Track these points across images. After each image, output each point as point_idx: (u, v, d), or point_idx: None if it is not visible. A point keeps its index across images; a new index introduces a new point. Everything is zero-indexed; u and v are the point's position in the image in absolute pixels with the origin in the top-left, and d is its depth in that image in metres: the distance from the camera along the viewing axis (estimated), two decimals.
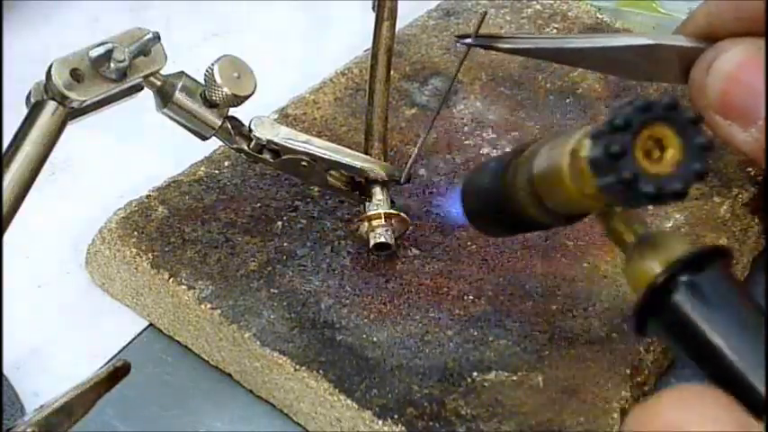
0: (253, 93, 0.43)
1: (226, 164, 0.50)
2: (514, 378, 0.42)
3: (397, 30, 0.49)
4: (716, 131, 0.43)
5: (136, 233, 0.46)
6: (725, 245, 0.33)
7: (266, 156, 0.45)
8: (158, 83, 0.42)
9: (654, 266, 0.33)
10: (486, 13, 0.45)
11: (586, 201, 0.34)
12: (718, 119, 0.43)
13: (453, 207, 0.47)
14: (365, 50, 0.54)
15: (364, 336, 0.43)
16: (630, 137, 0.31)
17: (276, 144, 0.45)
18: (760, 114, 0.41)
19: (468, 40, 0.44)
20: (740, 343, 0.31)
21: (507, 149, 0.50)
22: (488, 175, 0.38)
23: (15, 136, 0.39)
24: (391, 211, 0.45)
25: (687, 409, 0.29)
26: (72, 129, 0.40)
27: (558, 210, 0.36)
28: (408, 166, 0.46)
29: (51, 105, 0.39)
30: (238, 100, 0.43)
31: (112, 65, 0.40)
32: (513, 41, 0.44)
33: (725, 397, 0.30)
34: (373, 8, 0.49)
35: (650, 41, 0.44)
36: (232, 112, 0.44)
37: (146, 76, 0.41)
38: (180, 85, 0.42)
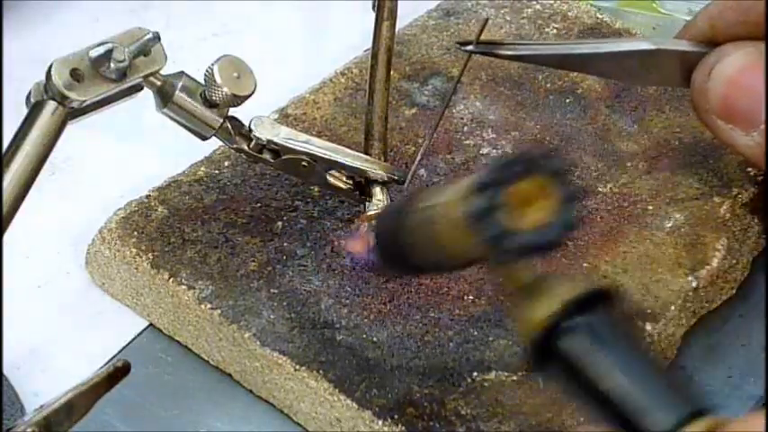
0: (253, 93, 0.43)
1: (226, 164, 0.50)
2: (514, 378, 0.42)
3: (397, 30, 0.49)
4: (718, 135, 0.43)
5: (136, 233, 0.46)
6: (605, 286, 0.33)
7: (266, 156, 0.45)
8: (158, 83, 0.42)
9: (542, 310, 0.32)
10: (487, 19, 0.45)
11: (470, 253, 0.34)
12: (719, 123, 0.43)
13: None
14: (365, 50, 0.54)
15: (364, 336, 0.43)
16: (498, 193, 0.31)
17: (276, 144, 0.45)
18: (762, 118, 0.41)
19: (470, 47, 0.44)
20: (624, 383, 0.31)
21: (507, 149, 0.50)
22: (392, 216, 0.38)
23: (15, 136, 0.39)
24: None
25: None
26: (72, 129, 0.40)
27: (450, 257, 0.36)
28: (412, 170, 0.46)
29: (51, 105, 0.39)
30: (238, 100, 0.43)
31: (112, 65, 0.40)
32: (514, 48, 0.45)
33: None
34: (373, 8, 0.49)
35: (652, 47, 0.44)
36: (232, 112, 0.44)
37: (146, 76, 0.41)
38: (180, 85, 0.42)
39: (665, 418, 0.30)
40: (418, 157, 0.45)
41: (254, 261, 0.45)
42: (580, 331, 0.32)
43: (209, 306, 0.44)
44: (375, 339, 0.43)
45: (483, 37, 0.52)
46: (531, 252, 0.32)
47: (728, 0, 0.43)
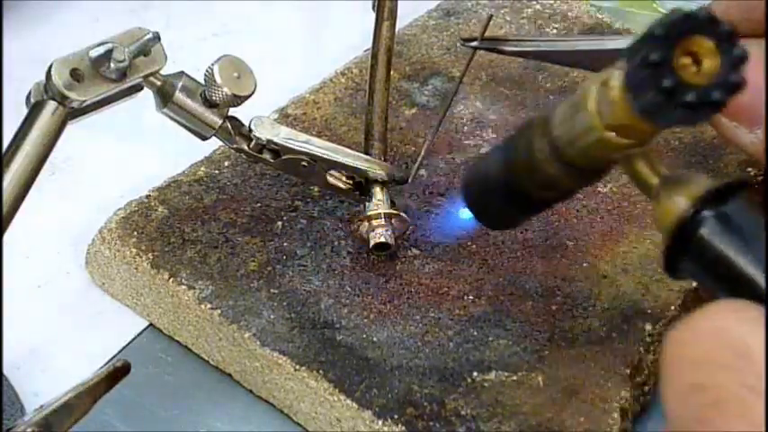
0: (253, 93, 0.43)
1: (226, 164, 0.50)
2: (514, 378, 0.42)
3: (397, 30, 0.49)
4: (722, 133, 0.43)
5: (136, 233, 0.46)
6: (745, 176, 0.33)
7: (266, 156, 0.45)
8: (158, 83, 0.42)
9: (680, 203, 0.32)
10: (491, 17, 0.45)
11: (613, 141, 0.33)
12: (723, 120, 0.43)
13: (454, 208, 0.47)
14: (365, 50, 0.54)
15: (364, 336, 0.43)
16: (670, 47, 0.31)
17: (276, 144, 0.45)
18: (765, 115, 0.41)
19: (474, 44, 0.44)
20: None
21: None
22: (492, 159, 0.38)
23: (15, 136, 0.39)
24: (391, 211, 0.45)
25: (739, 319, 0.28)
26: (72, 129, 0.40)
27: (579, 162, 0.35)
28: (414, 169, 0.46)
29: (51, 105, 0.39)
30: (238, 100, 0.43)
31: (112, 65, 0.40)
32: (518, 44, 0.44)
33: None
34: (373, 8, 0.49)
35: None
36: (232, 112, 0.44)
37: (146, 76, 0.41)
38: (180, 85, 0.42)
39: None
40: (420, 158, 0.45)
41: (254, 261, 0.45)
42: (726, 218, 0.32)
43: (209, 306, 0.44)
44: (375, 339, 0.43)
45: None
46: (704, 108, 0.31)
47: (723, 1, 0.43)
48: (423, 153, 0.45)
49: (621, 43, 0.44)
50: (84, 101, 0.39)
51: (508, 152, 0.37)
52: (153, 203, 0.48)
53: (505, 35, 0.52)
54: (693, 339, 0.28)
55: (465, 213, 0.41)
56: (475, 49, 0.44)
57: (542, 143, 0.36)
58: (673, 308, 0.44)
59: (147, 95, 0.43)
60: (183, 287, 0.44)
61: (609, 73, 0.33)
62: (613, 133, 0.33)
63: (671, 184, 0.33)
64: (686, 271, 0.33)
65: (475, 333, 0.43)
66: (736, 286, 0.31)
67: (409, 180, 0.46)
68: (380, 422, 0.40)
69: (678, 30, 0.31)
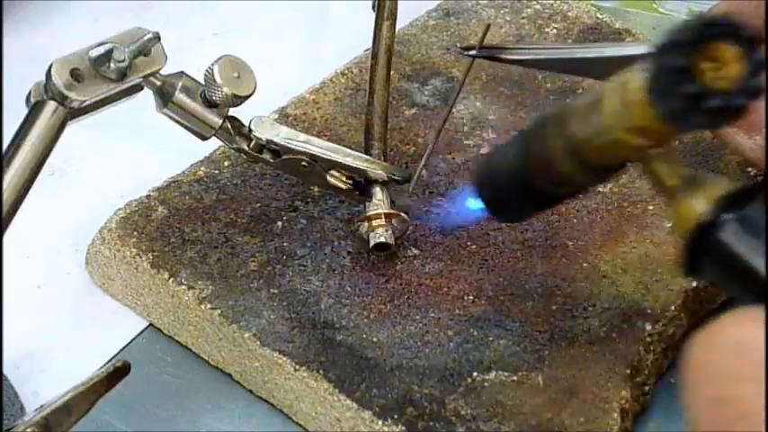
0: (253, 93, 0.43)
1: (226, 164, 0.50)
2: (514, 378, 0.42)
3: (397, 30, 0.49)
4: (721, 138, 0.43)
5: (136, 233, 0.46)
6: (758, 183, 0.33)
7: (266, 156, 0.45)
8: (158, 83, 0.42)
9: (700, 205, 0.33)
10: (489, 25, 0.45)
11: (632, 142, 0.33)
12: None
13: (455, 206, 0.47)
14: (365, 50, 0.54)
15: (364, 336, 0.43)
16: (693, 53, 0.31)
17: (276, 144, 0.45)
18: (764, 121, 0.41)
19: (473, 52, 0.44)
20: None
21: None
22: (506, 154, 0.38)
23: (15, 136, 0.39)
24: (391, 211, 0.45)
25: (755, 327, 0.28)
26: (72, 129, 0.40)
27: (595, 161, 0.35)
28: (417, 173, 0.46)
29: (51, 105, 0.39)
30: (238, 100, 0.43)
31: (112, 65, 0.40)
32: (516, 53, 0.45)
33: None
34: (373, 8, 0.49)
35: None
36: (232, 112, 0.44)
37: (146, 76, 0.41)
38: (180, 85, 0.42)
39: None
40: (422, 163, 0.46)
41: (254, 261, 0.45)
42: (740, 223, 0.32)
43: (209, 306, 0.44)
44: (375, 339, 0.43)
45: (481, 35, 0.52)
46: (728, 114, 0.31)
47: (729, 5, 0.43)
48: (425, 159, 0.45)
49: (620, 50, 0.44)
50: (84, 101, 0.40)
51: (523, 148, 0.37)
52: (153, 203, 0.48)
53: (504, 43, 0.52)
54: (715, 351, 0.28)
55: (474, 204, 0.41)
56: (473, 57, 0.44)
57: (557, 141, 0.36)
58: (673, 308, 0.44)
59: (147, 95, 0.43)
60: (183, 287, 0.44)
61: (629, 75, 0.33)
62: (632, 134, 0.33)
63: (690, 185, 0.33)
64: (705, 273, 0.33)
65: (475, 333, 0.43)
66: (755, 289, 0.32)
67: (412, 184, 0.46)
68: (380, 422, 0.40)
69: (701, 36, 0.31)
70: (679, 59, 0.31)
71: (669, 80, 0.31)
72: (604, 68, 0.45)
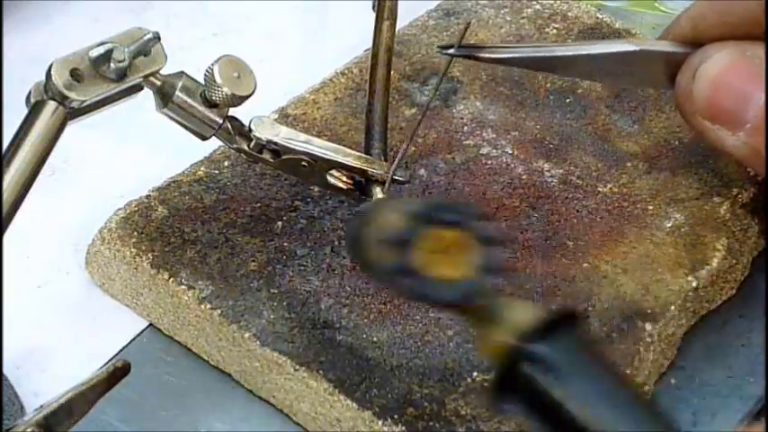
0: (253, 93, 0.43)
1: (226, 164, 0.50)
2: None
3: (397, 30, 0.49)
4: (704, 137, 0.43)
5: (136, 233, 0.46)
6: (573, 308, 0.32)
7: (266, 156, 0.45)
8: (158, 83, 0.42)
9: (503, 338, 0.32)
10: (469, 24, 0.45)
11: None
12: (706, 124, 0.43)
13: None
14: (365, 50, 0.54)
15: (364, 336, 0.43)
16: (410, 245, 0.31)
17: (276, 144, 0.45)
18: (748, 118, 0.41)
19: (451, 51, 0.44)
20: (597, 411, 0.30)
21: (507, 149, 0.50)
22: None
23: (15, 136, 0.39)
24: None
25: None
26: (72, 129, 0.40)
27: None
28: (395, 163, 0.45)
29: (51, 105, 0.39)
30: (238, 100, 0.43)
31: (112, 65, 0.40)
32: (495, 51, 0.45)
33: None
34: (373, 8, 0.49)
35: (634, 48, 0.44)
36: (232, 111, 0.44)
37: (146, 76, 0.41)
38: (180, 85, 0.42)
39: None
40: (404, 147, 0.45)
41: (254, 261, 0.45)
42: (547, 356, 0.31)
43: (209, 306, 0.44)
44: (375, 339, 0.43)
45: (482, 36, 0.52)
46: (425, 301, 0.32)
47: (710, 2, 0.43)
48: (404, 147, 0.45)
49: (599, 48, 0.44)
50: (84, 101, 0.40)
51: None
52: (153, 203, 0.48)
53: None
54: None
55: None
56: (452, 56, 0.44)
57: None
58: (673, 308, 0.44)
59: (147, 95, 0.43)
60: (183, 287, 0.44)
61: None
62: None
63: (495, 316, 0.32)
64: (513, 406, 0.32)
65: (475, 333, 0.43)
66: (559, 426, 0.31)
67: (387, 180, 0.45)
68: (380, 422, 0.40)
69: (432, 217, 0.31)
70: (398, 262, 0.31)
71: (393, 245, 0.31)
72: (584, 66, 0.45)
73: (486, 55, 0.45)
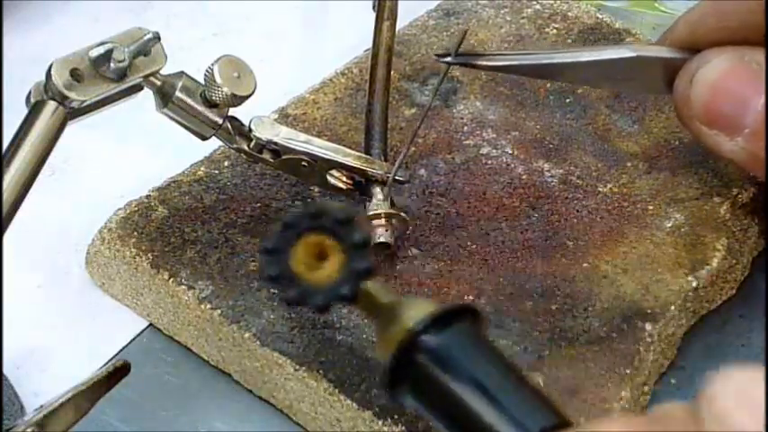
0: (253, 93, 0.43)
1: (226, 164, 0.50)
2: None
3: (397, 30, 0.49)
4: (702, 141, 0.43)
5: (136, 233, 0.46)
6: (468, 303, 0.32)
7: (266, 156, 0.45)
8: (158, 83, 0.42)
9: (397, 333, 0.32)
10: (466, 31, 0.45)
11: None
12: (703, 129, 0.43)
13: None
14: (365, 50, 0.54)
15: (364, 336, 0.43)
16: (286, 256, 0.32)
17: (276, 144, 0.45)
18: (746, 123, 0.41)
19: (448, 59, 0.44)
20: (485, 398, 0.31)
21: (507, 149, 0.50)
22: None
23: (15, 136, 0.39)
24: (391, 211, 0.45)
25: None
26: (72, 129, 0.40)
27: None
28: (396, 164, 0.45)
29: (51, 105, 0.39)
30: (238, 100, 0.43)
31: (112, 65, 0.40)
32: (492, 59, 0.45)
33: None
34: (373, 8, 0.49)
35: (632, 54, 0.44)
36: (232, 112, 0.44)
37: (146, 76, 0.41)
38: (180, 85, 0.42)
39: None
40: (405, 149, 0.45)
41: (254, 261, 0.45)
42: (431, 349, 0.32)
43: (209, 306, 0.44)
44: (375, 339, 0.43)
45: (482, 36, 0.52)
46: (299, 305, 0.32)
47: (708, 6, 0.43)
48: (405, 149, 0.45)
49: (597, 55, 0.44)
50: (84, 101, 0.40)
51: None
52: (153, 203, 0.48)
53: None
54: None
55: None
56: (449, 64, 0.44)
57: None
58: (673, 308, 0.44)
59: (147, 95, 0.43)
60: (183, 287, 0.44)
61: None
62: None
63: (390, 313, 0.33)
64: (406, 399, 0.33)
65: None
66: (450, 418, 0.31)
67: (388, 180, 0.45)
68: (380, 422, 0.40)
69: (294, 232, 0.32)
70: (270, 269, 0.32)
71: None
72: (582, 73, 0.45)
73: (484, 62, 0.45)
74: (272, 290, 0.32)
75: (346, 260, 0.32)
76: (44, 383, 0.44)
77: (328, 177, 0.46)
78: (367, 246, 0.32)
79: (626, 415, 0.37)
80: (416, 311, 0.32)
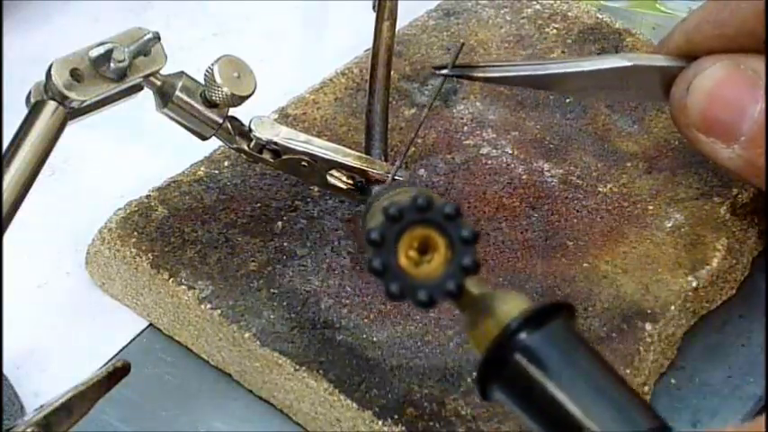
0: (253, 93, 0.43)
1: (226, 164, 0.50)
2: None
3: (397, 30, 0.49)
4: (699, 149, 0.43)
5: (136, 233, 0.46)
6: (566, 300, 0.32)
7: (266, 156, 0.45)
8: (158, 83, 0.42)
9: (492, 329, 0.32)
10: (463, 44, 0.45)
11: None
12: (700, 136, 0.43)
13: None
14: (365, 50, 0.54)
15: (364, 336, 0.43)
16: (393, 249, 0.31)
17: (276, 144, 0.45)
18: (742, 130, 0.41)
19: (445, 71, 0.44)
20: (582, 399, 0.30)
21: (507, 149, 0.50)
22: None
23: (15, 136, 0.39)
24: None
25: None
26: (72, 129, 0.40)
27: None
28: (396, 165, 0.45)
29: (51, 105, 0.39)
30: (238, 100, 0.43)
31: (112, 65, 0.40)
32: (488, 70, 0.45)
33: None
34: (373, 8, 0.49)
35: (628, 63, 0.44)
36: (232, 111, 0.44)
37: (146, 76, 0.41)
38: (180, 85, 0.42)
39: None
40: (405, 149, 0.45)
41: (254, 261, 0.45)
42: (535, 346, 0.31)
43: (209, 306, 0.44)
44: (375, 339, 0.43)
45: (482, 36, 0.52)
46: (401, 301, 0.31)
47: (704, 14, 0.43)
48: (405, 149, 0.45)
49: (593, 65, 0.44)
50: (84, 101, 0.40)
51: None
52: (153, 203, 0.48)
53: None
54: None
55: None
56: (446, 76, 0.44)
57: None
58: (673, 308, 0.44)
59: (147, 95, 0.43)
60: (183, 287, 0.44)
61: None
62: None
63: (484, 307, 0.32)
64: (499, 397, 0.32)
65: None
66: (546, 416, 0.31)
67: (388, 181, 0.45)
68: (380, 422, 0.40)
69: (400, 228, 0.31)
70: (376, 261, 0.31)
71: (373, 242, 0.31)
72: (579, 83, 0.45)
73: (480, 74, 0.45)
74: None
75: (453, 255, 0.31)
76: (44, 383, 0.44)
77: (328, 177, 0.46)
78: (475, 241, 0.32)
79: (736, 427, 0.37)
80: (510, 306, 0.32)
